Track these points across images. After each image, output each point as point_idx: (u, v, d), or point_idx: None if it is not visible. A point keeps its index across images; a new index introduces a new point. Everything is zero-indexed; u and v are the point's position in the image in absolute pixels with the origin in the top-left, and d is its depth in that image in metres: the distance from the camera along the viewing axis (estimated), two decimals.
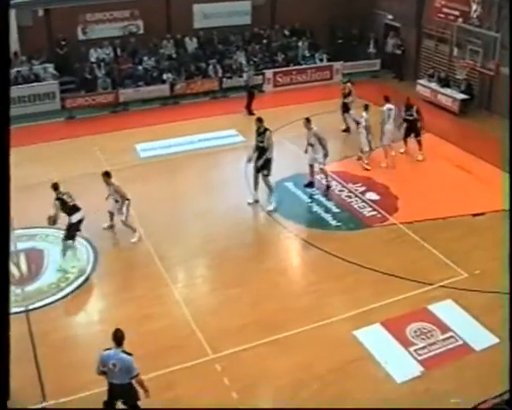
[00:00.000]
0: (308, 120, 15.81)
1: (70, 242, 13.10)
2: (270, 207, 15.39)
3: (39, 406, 9.48)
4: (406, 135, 18.52)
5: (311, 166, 16.29)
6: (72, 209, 12.83)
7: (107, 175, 13.67)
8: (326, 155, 16.00)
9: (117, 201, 13.79)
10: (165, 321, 11.42)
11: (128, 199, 13.78)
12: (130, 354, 8.38)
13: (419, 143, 18.42)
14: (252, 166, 15.48)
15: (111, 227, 14.29)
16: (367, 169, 17.59)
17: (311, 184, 16.43)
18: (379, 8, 27.39)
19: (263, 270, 13.13)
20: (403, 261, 13.30)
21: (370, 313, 11.59)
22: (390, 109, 17.91)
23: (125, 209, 13.82)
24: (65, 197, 12.77)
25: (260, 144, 15.14)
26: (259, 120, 15.35)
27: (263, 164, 15.18)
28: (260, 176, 15.34)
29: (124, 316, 11.46)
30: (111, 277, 13.08)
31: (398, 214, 15.32)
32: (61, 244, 13.16)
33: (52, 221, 12.84)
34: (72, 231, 13.01)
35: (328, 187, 16.33)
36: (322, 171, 16.31)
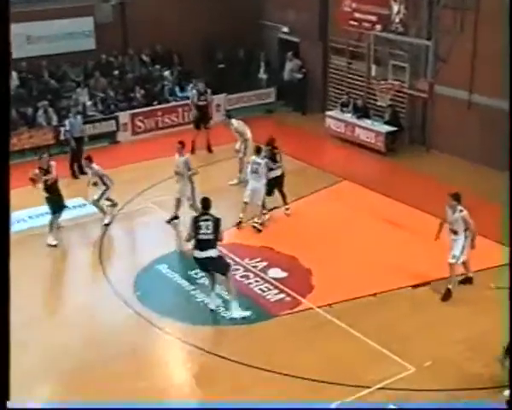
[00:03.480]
0: (89, 160, 19.06)
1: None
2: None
3: None
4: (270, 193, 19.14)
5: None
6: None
7: None
8: (106, 191, 18.75)
9: None
10: None
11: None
12: None
13: (283, 195, 19.17)
14: None
15: None
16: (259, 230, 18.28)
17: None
18: (269, 20, 28.26)
19: (137, 392, 12.69)
20: (326, 359, 13.42)
21: None
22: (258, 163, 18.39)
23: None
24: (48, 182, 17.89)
25: None
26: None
27: None
28: None
29: None
30: None
31: (314, 295, 15.59)
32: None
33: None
34: None
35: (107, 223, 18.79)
36: (97, 205, 18.93)
